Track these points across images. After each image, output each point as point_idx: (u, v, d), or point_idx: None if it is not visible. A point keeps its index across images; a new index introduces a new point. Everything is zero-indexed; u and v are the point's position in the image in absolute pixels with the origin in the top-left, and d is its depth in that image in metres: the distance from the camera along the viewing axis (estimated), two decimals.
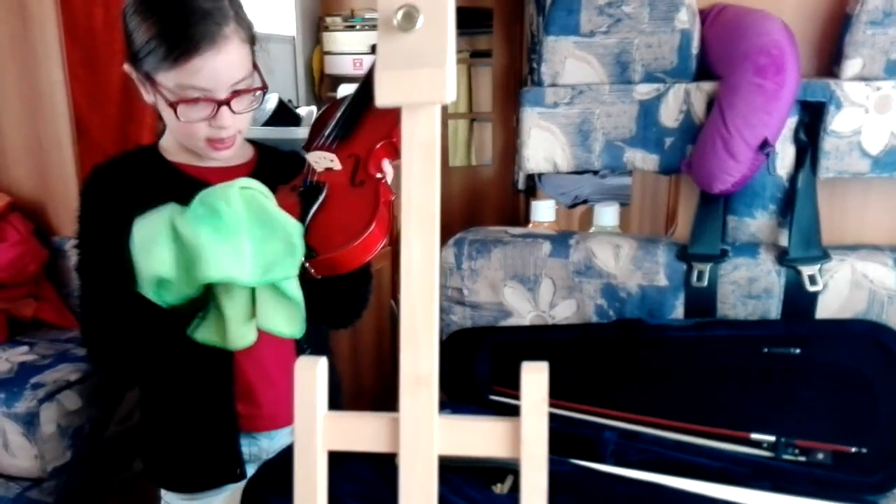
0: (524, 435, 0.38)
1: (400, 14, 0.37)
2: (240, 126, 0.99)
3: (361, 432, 0.41)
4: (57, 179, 1.87)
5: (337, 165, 0.94)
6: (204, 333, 0.88)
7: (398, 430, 0.40)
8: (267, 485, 0.79)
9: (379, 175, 0.95)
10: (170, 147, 1.04)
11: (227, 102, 0.94)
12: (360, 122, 0.98)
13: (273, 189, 0.95)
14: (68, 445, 1.45)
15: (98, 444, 1.52)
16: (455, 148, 4.14)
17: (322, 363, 0.41)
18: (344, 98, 1.03)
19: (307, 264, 0.88)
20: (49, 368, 1.50)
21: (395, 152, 0.96)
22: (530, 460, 0.38)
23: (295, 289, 0.86)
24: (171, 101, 0.92)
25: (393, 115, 0.90)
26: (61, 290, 1.84)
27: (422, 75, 0.37)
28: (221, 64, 0.92)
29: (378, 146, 0.93)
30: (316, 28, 3.68)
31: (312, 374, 0.40)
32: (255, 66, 0.98)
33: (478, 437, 0.40)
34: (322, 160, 0.95)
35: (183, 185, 0.99)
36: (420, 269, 0.40)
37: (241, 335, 0.86)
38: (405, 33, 0.37)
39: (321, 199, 0.93)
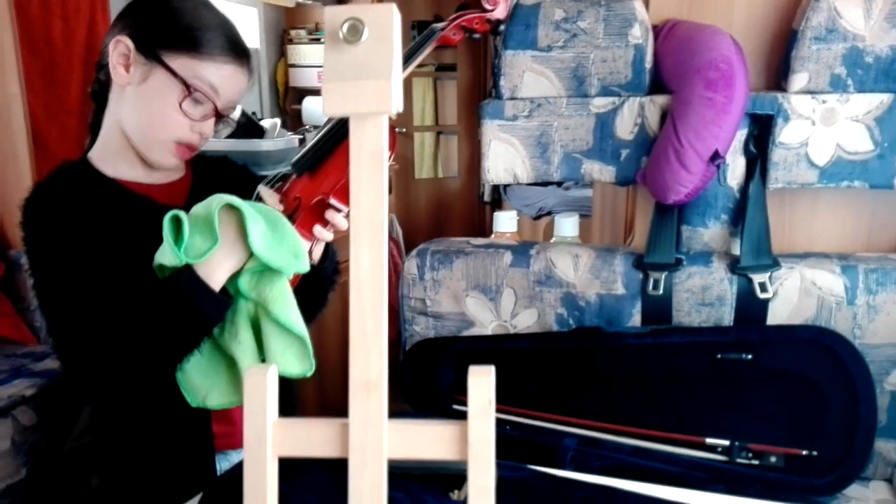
0: (471, 437, 0.39)
1: (345, 27, 0.38)
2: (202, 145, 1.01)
3: (311, 438, 0.41)
4: (13, 192, 1.84)
5: (279, 207, 0.93)
6: (219, 398, 0.89)
7: (348, 434, 0.40)
8: (222, 498, 0.78)
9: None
10: (105, 159, 0.99)
11: (221, 116, 0.98)
12: (324, 161, 0.95)
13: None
14: (23, 462, 1.42)
15: (55, 460, 1.49)
16: (421, 160, 4.16)
17: (272, 371, 0.41)
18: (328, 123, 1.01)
19: None
20: (4, 384, 1.47)
21: (322, 215, 0.92)
22: (477, 462, 0.39)
23: (302, 326, 0.86)
24: (188, 83, 0.93)
25: (342, 170, 0.90)
26: (18, 304, 1.80)
27: (368, 87, 0.38)
28: (240, 80, 0.98)
29: (315, 200, 0.91)
30: (280, 41, 3.68)
31: (262, 381, 0.41)
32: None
33: (426, 440, 0.40)
34: (268, 198, 0.94)
35: (129, 201, 0.98)
36: (369, 276, 0.41)
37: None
38: (351, 45, 0.38)
39: None
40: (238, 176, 1.13)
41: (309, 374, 0.88)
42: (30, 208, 0.94)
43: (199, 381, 0.88)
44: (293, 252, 0.85)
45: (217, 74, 0.94)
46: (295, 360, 0.87)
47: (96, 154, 1.00)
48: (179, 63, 0.93)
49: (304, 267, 0.86)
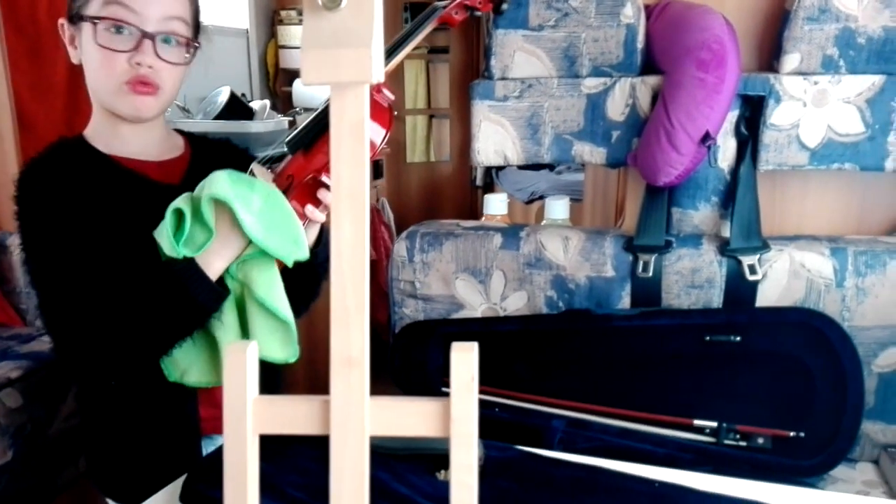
0: (454, 413, 0.38)
1: None
2: (165, 81, 0.94)
3: (292, 415, 0.41)
4: None
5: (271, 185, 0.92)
6: (197, 376, 0.88)
7: (329, 411, 0.40)
8: (206, 479, 0.78)
9: None
10: (96, 136, 0.99)
11: (153, 37, 0.91)
12: (319, 138, 0.92)
13: None
14: (9, 444, 1.41)
15: (41, 442, 1.48)
16: (413, 144, 4.13)
17: (252, 347, 0.41)
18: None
19: None
20: None
21: (315, 194, 0.91)
22: (459, 438, 0.38)
23: (287, 310, 0.85)
24: (95, 17, 0.89)
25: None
26: (3, 286, 1.78)
27: (347, 55, 0.37)
28: None
29: (308, 177, 0.89)
30: (270, 21, 3.63)
31: (242, 359, 0.40)
32: (195, 37, 0.97)
33: (408, 416, 0.40)
34: (262, 175, 0.93)
35: (123, 178, 0.96)
36: (350, 250, 0.40)
37: None
38: (331, 13, 0.37)
39: None
40: (238, 159, 1.10)
41: (292, 360, 0.87)
42: (24, 182, 0.93)
43: (179, 356, 0.87)
44: (293, 238, 0.84)
45: None
46: (278, 345, 0.86)
47: (89, 131, 1.00)
48: (95, 5, 0.90)
49: (304, 254, 0.85)
